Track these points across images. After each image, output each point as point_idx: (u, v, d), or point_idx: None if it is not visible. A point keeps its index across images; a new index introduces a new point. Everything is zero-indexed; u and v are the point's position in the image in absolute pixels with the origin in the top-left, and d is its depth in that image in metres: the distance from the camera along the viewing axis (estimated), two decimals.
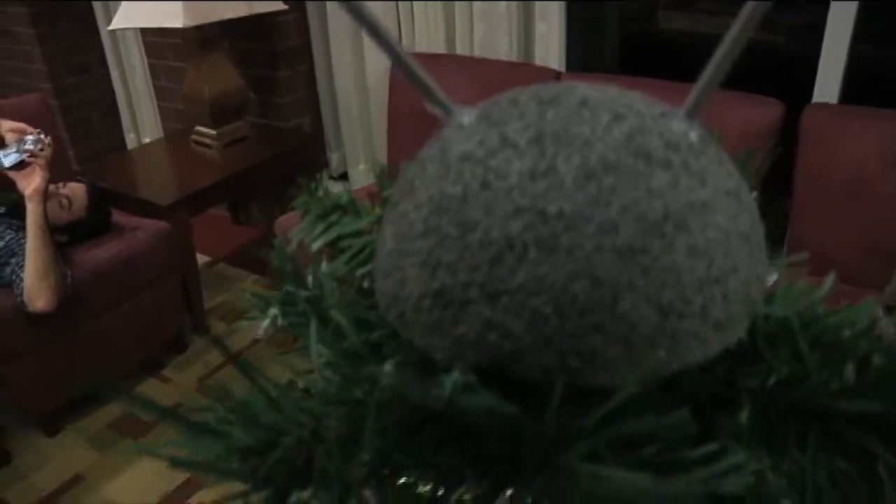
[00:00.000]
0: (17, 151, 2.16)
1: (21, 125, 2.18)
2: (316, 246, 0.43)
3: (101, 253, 2.45)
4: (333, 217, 0.43)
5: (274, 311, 0.46)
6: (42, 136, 2.19)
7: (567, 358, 0.27)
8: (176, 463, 0.28)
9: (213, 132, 2.94)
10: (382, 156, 3.07)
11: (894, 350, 0.29)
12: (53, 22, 3.56)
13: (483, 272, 0.27)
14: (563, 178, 0.27)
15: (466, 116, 0.32)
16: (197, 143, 3.03)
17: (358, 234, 0.42)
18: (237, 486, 0.40)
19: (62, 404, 2.49)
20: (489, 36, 2.63)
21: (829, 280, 0.33)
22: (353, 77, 3.07)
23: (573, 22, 2.57)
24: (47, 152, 2.20)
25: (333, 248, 0.43)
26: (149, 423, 2.53)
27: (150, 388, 2.67)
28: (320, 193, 0.44)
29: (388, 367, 0.26)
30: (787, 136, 2.03)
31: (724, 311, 0.28)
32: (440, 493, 0.40)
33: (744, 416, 0.29)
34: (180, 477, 2.28)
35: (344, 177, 3.38)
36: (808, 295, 0.32)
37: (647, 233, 0.27)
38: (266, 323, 0.47)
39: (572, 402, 0.27)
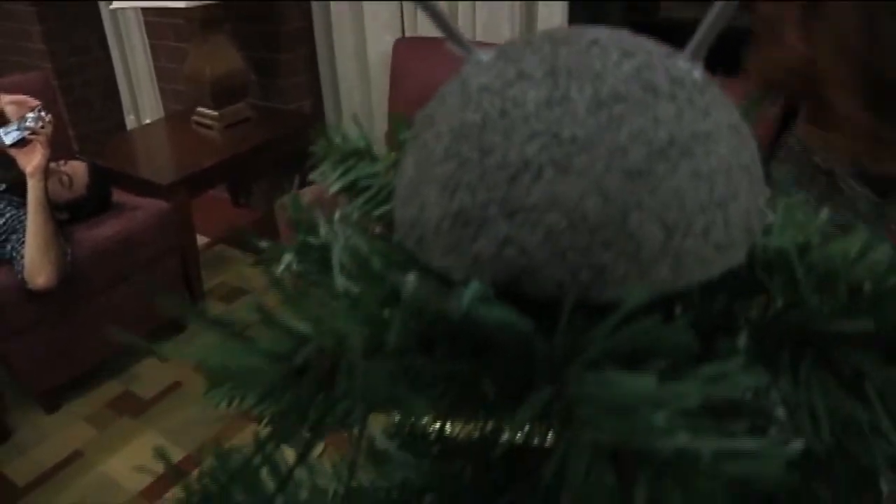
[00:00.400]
0: (19, 129, 2.18)
1: (22, 97, 2.19)
2: (333, 189, 0.45)
3: (101, 231, 2.47)
4: (351, 162, 0.45)
5: (289, 256, 0.48)
6: (43, 112, 2.21)
7: (579, 272, 0.28)
8: (204, 366, 0.29)
9: (215, 113, 2.96)
10: (382, 140, 3.08)
11: (884, 277, 0.31)
12: None
13: (501, 191, 0.29)
14: (577, 105, 0.29)
15: (484, 55, 0.34)
16: (198, 124, 3.04)
17: (374, 177, 0.44)
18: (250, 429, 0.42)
19: (62, 382, 2.51)
20: (491, 20, 2.65)
21: (824, 213, 0.35)
22: (356, 62, 3.08)
23: (576, 7, 2.58)
24: (48, 129, 2.22)
25: (350, 193, 0.45)
26: (147, 401, 2.55)
27: (149, 366, 2.69)
28: (337, 140, 0.46)
29: (410, 276, 0.28)
30: (787, 125, 2.04)
31: (725, 235, 0.30)
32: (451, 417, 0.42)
33: (742, 340, 0.31)
34: (178, 454, 2.30)
35: None
36: (805, 226, 0.34)
37: (653, 156, 0.28)
38: (281, 269, 0.48)
39: (584, 319, 0.29)
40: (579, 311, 0.30)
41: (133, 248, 2.50)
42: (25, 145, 2.16)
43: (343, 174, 0.44)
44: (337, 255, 0.33)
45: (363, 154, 0.45)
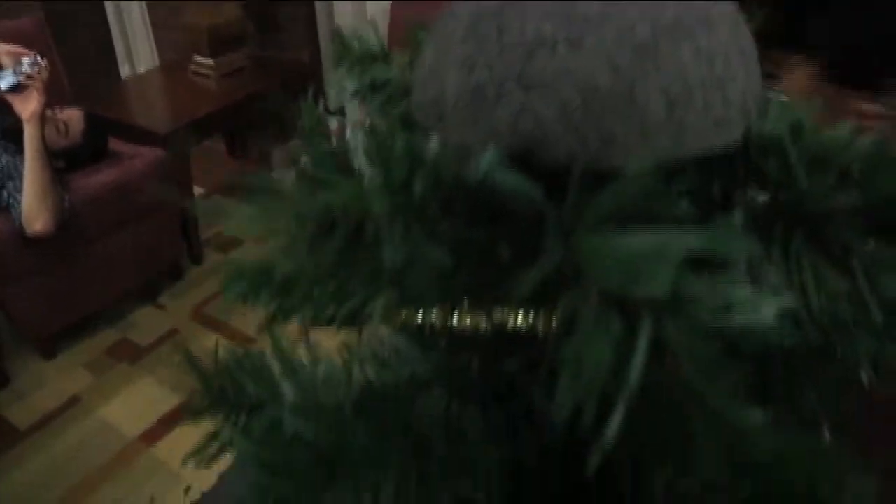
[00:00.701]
0: (14, 74, 2.15)
1: (17, 48, 2.16)
2: (350, 90, 0.46)
3: (98, 179, 2.47)
4: (366, 64, 0.47)
5: (305, 159, 0.50)
6: (38, 58, 2.18)
7: (589, 141, 0.31)
8: (245, 225, 0.31)
9: (211, 62, 2.94)
10: None
11: (871, 160, 0.33)
12: None
13: (518, 67, 0.31)
14: None
15: None
16: (195, 73, 3.02)
17: (389, 80, 0.46)
18: None
19: (60, 329, 2.52)
20: None
21: (817, 99, 0.37)
22: (354, 14, 3.06)
23: None
24: (44, 75, 2.20)
25: (367, 95, 0.46)
26: (144, 348, 2.57)
27: (146, 315, 2.72)
28: (354, 43, 0.47)
29: (433, 142, 0.29)
30: None
31: (724, 112, 0.32)
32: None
33: (738, 216, 0.34)
34: (175, 400, 2.33)
35: (342, 112, 3.38)
36: (799, 113, 0.36)
37: (659, 34, 0.30)
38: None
39: (591, 189, 0.31)
40: (587, 182, 0.32)
41: (130, 196, 2.50)
42: (21, 91, 2.15)
43: (359, 76, 0.46)
44: (359, 139, 0.35)
45: (378, 57, 0.47)
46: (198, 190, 3.16)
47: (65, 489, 2.05)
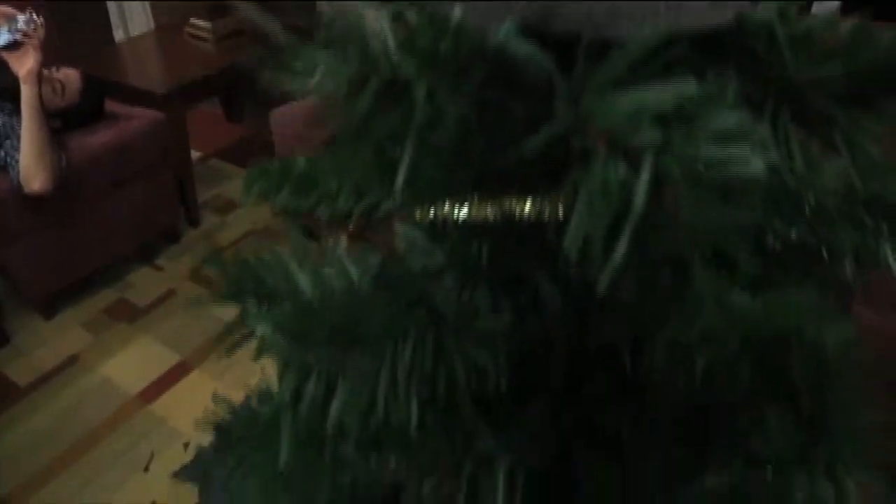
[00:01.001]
0: (9, 31, 2.14)
1: (9, 9, 2.16)
2: None
3: (96, 139, 2.47)
4: None
5: (322, 67, 0.52)
6: (34, 15, 2.17)
7: (595, 11, 0.34)
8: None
9: (208, 25, 2.94)
10: None
11: (854, 38, 0.37)
12: None
13: None
14: None
15: None
16: (192, 35, 3.02)
17: None
18: None
19: (58, 289, 2.54)
20: None
21: None
22: None
23: None
24: (40, 33, 2.19)
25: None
26: (141, 308, 2.60)
27: (144, 275, 2.74)
28: None
29: (457, 8, 0.32)
30: None
31: None
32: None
33: (730, 86, 0.37)
34: (174, 358, 2.35)
35: None
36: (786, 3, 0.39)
37: None
38: (315, 80, 0.52)
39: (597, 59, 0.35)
40: (593, 53, 0.35)
41: (128, 157, 2.51)
42: (17, 49, 2.14)
43: None
44: (384, 19, 0.38)
45: None
46: (195, 153, 3.17)
47: (65, 444, 2.08)
